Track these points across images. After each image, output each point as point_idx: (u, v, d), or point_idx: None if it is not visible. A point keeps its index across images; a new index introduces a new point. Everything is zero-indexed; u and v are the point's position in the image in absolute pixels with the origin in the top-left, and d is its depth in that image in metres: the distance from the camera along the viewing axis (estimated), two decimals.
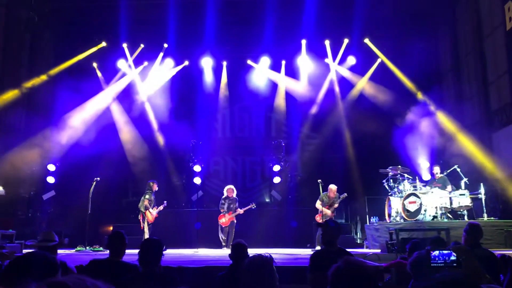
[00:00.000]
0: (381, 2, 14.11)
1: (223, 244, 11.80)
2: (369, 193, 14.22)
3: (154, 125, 15.57)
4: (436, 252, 2.78)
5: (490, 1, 12.62)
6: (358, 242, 13.84)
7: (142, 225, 11.60)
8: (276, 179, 14.49)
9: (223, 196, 12.39)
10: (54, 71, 15.01)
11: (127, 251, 4.63)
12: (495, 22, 12.36)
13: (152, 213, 11.59)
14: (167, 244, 12.40)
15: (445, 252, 2.78)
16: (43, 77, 14.56)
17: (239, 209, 12.15)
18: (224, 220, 12.03)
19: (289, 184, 14.87)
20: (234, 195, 12.37)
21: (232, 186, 12.49)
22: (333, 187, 11.51)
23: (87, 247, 11.18)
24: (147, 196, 11.68)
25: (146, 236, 11.49)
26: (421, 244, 4.91)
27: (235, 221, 12.14)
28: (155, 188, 12.02)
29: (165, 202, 12.09)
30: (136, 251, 3.99)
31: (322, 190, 11.51)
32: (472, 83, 13.85)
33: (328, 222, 5.22)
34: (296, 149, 16.51)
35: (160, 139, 15.61)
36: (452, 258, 2.77)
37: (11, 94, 13.28)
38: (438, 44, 15.86)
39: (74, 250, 11.04)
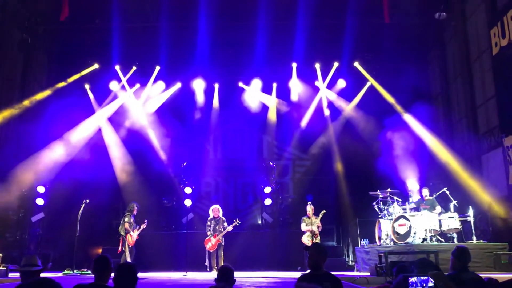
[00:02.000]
0: (371, 26, 14.37)
1: (214, 267, 11.57)
2: (360, 216, 14.18)
3: (145, 147, 15.52)
4: (414, 279, 2.79)
5: (477, 27, 12.87)
6: (350, 264, 13.78)
7: (120, 249, 11.42)
8: (267, 201, 14.49)
9: (209, 217, 12.11)
10: (47, 92, 15.01)
11: None
12: (482, 46, 12.59)
13: (132, 236, 11.48)
14: (156, 267, 12.36)
15: (423, 278, 2.79)
16: (35, 98, 14.55)
17: (228, 227, 11.81)
18: (211, 244, 11.73)
19: (280, 206, 14.84)
20: (220, 215, 12.08)
21: (217, 206, 12.21)
22: (308, 207, 11.58)
23: (75, 271, 11.04)
24: (126, 219, 11.54)
25: (128, 259, 11.34)
26: (408, 267, 4.91)
27: (223, 243, 11.80)
28: (135, 211, 11.91)
29: (146, 221, 11.94)
30: None
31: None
32: (461, 106, 14.02)
33: (314, 244, 5.23)
34: (287, 171, 16.58)
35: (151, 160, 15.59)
36: (430, 284, 2.78)
37: (3, 115, 13.27)
38: (428, 68, 16.10)
39: (61, 274, 10.89)
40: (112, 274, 4.15)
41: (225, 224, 11.93)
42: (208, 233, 11.86)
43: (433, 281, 2.80)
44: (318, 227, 11.37)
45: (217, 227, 11.85)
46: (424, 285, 2.79)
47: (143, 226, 11.75)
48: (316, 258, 4.86)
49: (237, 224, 11.90)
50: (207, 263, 11.71)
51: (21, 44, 14.11)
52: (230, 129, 16.51)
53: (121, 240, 11.45)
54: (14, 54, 14.11)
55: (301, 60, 15.11)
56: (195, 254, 12.24)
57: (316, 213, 11.56)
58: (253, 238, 13.99)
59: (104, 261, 4.56)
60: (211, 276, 10.64)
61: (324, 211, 11.48)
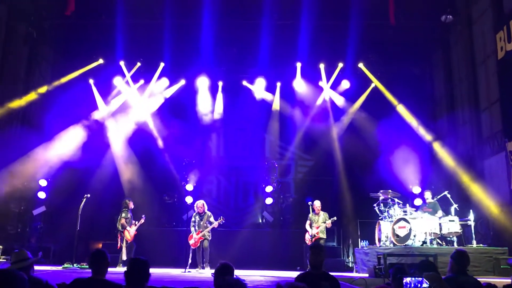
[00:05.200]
0: (376, 27, 14.32)
1: (199, 265, 11.27)
2: (361, 217, 14.21)
3: (148, 143, 15.54)
4: (408, 279, 2.79)
5: (482, 30, 12.81)
6: (350, 265, 13.78)
7: (119, 244, 11.48)
8: (268, 200, 14.50)
9: (194, 213, 11.71)
10: (51, 86, 15.04)
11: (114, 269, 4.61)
12: (487, 50, 12.53)
13: (130, 231, 11.51)
14: (156, 263, 12.36)
15: (417, 279, 2.80)
16: (39, 92, 14.60)
17: (214, 223, 11.33)
18: (193, 241, 11.39)
19: (281, 205, 14.85)
20: (206, 210, 11.67)
21: (202, 201, 11.77)
22: (316, 203, 11.54)
23: (75, 264, 11.07)
24: (123, 215, 11.64)
25: (124, 255, 11.37)
26: (403, 268, 4.89)
27: (209, 238, 11.43)
28: (131, 205, 11.94)
29: (144, 216, 11.93)
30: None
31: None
32: (465, 109, 13.95)
33: (317, 245, 5.26)
34: (289, 171, 16.58)
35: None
36: (424, 285, 2.78)
37: (6, 108, 13.30)
38: (432, 70, 16.06)
39: (61, 267, 10.93)
40: (124, 269, 4.14)
41: (211, 219, 11.52)
42: (192, 229, 11.46)
43: (427, 282, 2.80)
44: (325, 222, 11.30)
45: (201, 223, 11.46)
46: (419, 285, 2.79)
47: (141, 221, 11.77)
48: (320, 258, 4.89)
49: (221, 222, 11.42)
50: (190, 261, 11.23)
51: (26, 38, 14.14)
52: (233, 127, 16.52)
53: (119, 235, 11.52)
54: (19, 47, 14.14)
55: (305, 60, 15.09)
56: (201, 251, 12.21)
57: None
58: (253, 236, 14.02)
59: (101, 255, 4.58)
60: (208, 273, 10.56)
61: (335, 218, 11.46)
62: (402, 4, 13.65)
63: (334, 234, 14.89)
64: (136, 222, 11.85)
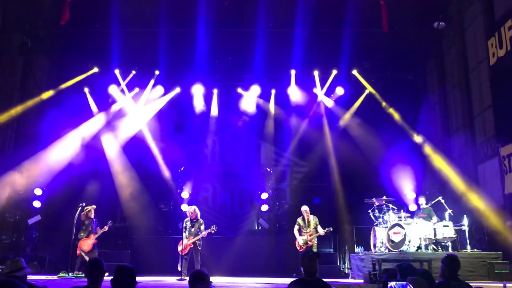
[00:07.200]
0: (370, 34, 14.42)
1: (184, 273, 10.72)
2: (357, 223, 14.22)
3: (144, 150, 15.55)
4: (393, 283, 2.82)
5: (475, 37, 12.94)
6: (346, 272, 13.78)
7: (78, 252, 11.37)
8: (264, 207, 14.52)
9: (185, 219, 11.23)
10: (46, 95, 15.05)
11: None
12: (479, 56, 12.65)
13: (87, 242, 11.40)
14: (151, 271, 12.35)
15: (402, 283, 2.83)
16: (34, 101, 14.59)
17: (204, 232, 10.89)
18: (181, 248, 10.89)
19: (276, 212, 14.87)
20: (198, 216, 11.19)
21: (194, 207, 11.31)
22: (305, 208, 11.34)
23: (70, 273, 11.04)
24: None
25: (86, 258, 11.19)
26: (395, 274, 4.92)
27: (200, 247, 10.93)
28: (91, 214, 11.74)
29: (110, 221, 11.74)
30: None
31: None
32: (458, 115, 14.06)
33: (312, 251, 5.25)
34: (285, 177, 16.61)
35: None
36: None
37: (2, 118, 13.29)
38: (426, 77, 16.18)
39: (56, 276, 10.90)
40: (110, 277, 4.14)
41: (202, 227, 11.09)
42: (184, 235, 11.03)
43: (412, 286, 2.84)
44: (315, 229, 11.17)
45: (192, 230, 11.01)
46: None
47: (104, 229, 11.60)
48: (316, 264, 4.90)
49: (213, 231, 11.02)
50: (179, 268, 10.89)
51: (21, 47, 14.15)
52: (228, 134, 16.55)
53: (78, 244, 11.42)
54: (14, 57, 14.15)
55: (300, 67, 15.17)
56: (191, 259, 12.21)
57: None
58: (249, 244, 14.01)
59: (97, 264, 4.59)
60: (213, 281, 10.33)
61: (331, 229, 11.26)
62: (395, 11, 13.74)
63: (330, 240, 14.92)
64: (98, 229, 11.69)
